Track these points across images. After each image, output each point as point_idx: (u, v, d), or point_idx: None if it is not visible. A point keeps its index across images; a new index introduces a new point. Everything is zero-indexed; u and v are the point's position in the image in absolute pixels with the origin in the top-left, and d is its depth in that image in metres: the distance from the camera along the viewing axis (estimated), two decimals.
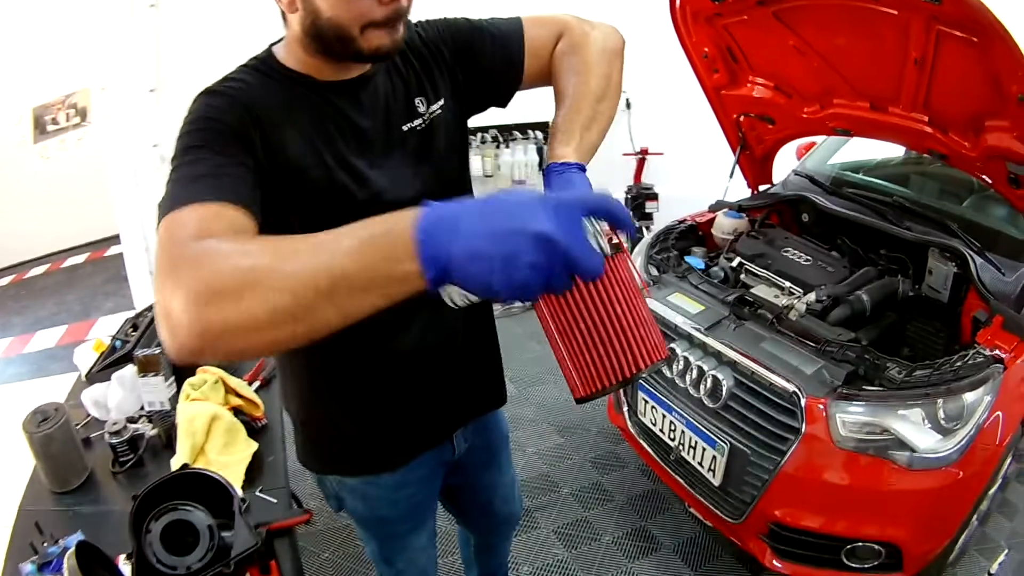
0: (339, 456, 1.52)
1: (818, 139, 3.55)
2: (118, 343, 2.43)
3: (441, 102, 1.32)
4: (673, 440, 2.51)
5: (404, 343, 1.36)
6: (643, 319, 0.88)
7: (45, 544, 1.56)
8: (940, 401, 1.98)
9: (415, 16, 1.24)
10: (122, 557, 1.46)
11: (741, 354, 2.25)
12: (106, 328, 5.16)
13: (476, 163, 4.72)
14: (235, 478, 1.80)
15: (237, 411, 2.02)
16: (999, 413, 2.07)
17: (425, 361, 1.42)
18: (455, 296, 0.80)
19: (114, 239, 5.66)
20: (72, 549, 1.36)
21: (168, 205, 0.88)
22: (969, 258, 2.37)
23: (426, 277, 0.69)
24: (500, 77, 1.36)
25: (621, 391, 2.79)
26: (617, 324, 0.84)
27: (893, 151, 3.53)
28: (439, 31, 1.35)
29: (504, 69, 1.34)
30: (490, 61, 1.34)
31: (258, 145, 1.05)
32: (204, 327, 0.71)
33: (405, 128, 1.26)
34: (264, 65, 1.16)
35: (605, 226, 0.79)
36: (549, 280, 0.69)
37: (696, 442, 2.39)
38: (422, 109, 1.29)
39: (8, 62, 6.28)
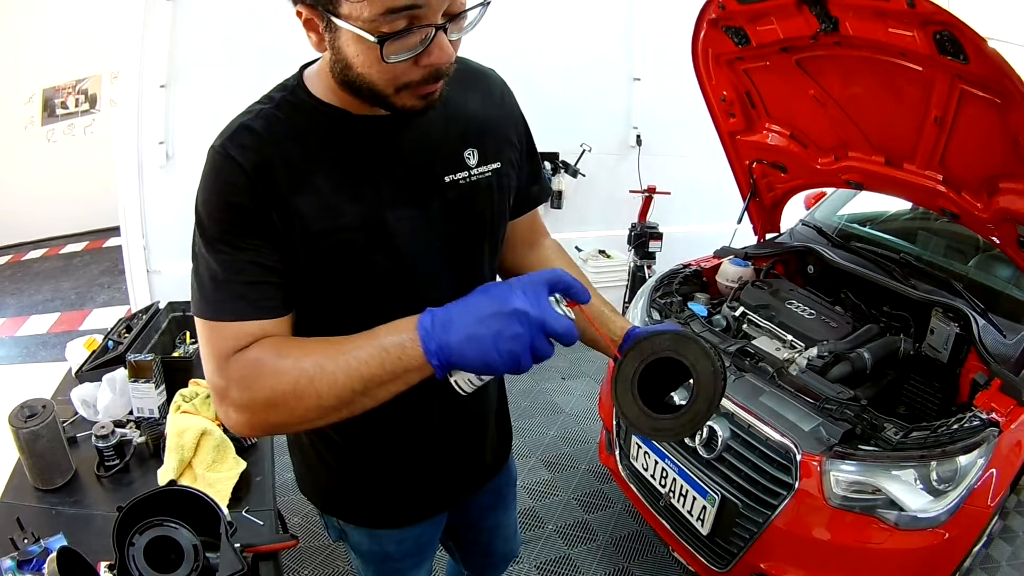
0: (344, 506, 1.47)
1: (828, 189, 3.55)
2: (110, 343, 2.40)
3: (496, 166, 1.22)
4: (664, 487, 2.48)
5: (417, 410, 1.32)
6: None
7: (26, 541, 1.53)
8: (934, 463, 1.97)
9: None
10: (103, 565, 1.44)
11: (739, 406, 2.23)
12: (99, 320, 5.16)
13: None
14: (222, 496, 1.77)
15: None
16: (992, 475, 2.06)
17: (437, 425, 1.38)
18: (461, 382, 0.94)
19: (113, 230, 5.64)
20: (54, 554, 1.35)
21: (201, 306, 1.02)
22: (972, 319, 2.36)
23: (432, 364, 0.89)
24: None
25: (615, 434, 2.77)
26: None
27: (901, 204, 3.52)
28: (520, 111, 1.33)
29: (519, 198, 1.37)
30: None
31: (275, 219, 1.01)
32: (260, 430, 1.00)
33: (447, 179, 1.15)
34: (293, 97, 1.06)
35: (563, 300, 0.95)
36: (532, 344, 0.87)
37: (687, 491, 2.36)
38: (471, 162, 1.18)
39: (24, 41, 6.28)
